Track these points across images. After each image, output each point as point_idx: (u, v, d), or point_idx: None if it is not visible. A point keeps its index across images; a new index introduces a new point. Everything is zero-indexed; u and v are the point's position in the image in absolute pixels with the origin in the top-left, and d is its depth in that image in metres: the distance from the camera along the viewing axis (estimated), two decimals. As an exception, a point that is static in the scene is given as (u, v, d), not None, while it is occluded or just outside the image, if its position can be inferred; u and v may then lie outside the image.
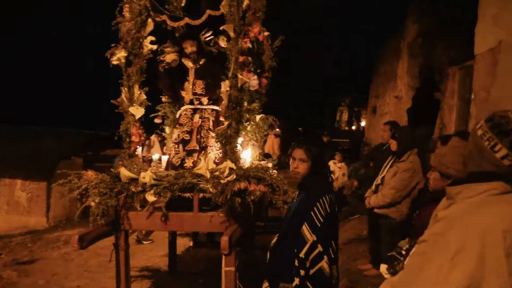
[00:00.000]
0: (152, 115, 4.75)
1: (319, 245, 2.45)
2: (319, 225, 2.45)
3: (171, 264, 5.26)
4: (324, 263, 2.46)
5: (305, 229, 2.46)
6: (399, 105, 9.34)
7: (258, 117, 4.46)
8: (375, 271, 4.99)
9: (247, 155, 4.26)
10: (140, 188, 3.40)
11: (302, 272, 2.45)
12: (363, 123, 19.00)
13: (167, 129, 4.85)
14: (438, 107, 7.03)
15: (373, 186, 4.54)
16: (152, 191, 3.33)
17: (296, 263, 2.46)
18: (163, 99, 4.77)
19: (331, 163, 8.46)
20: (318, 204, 2.49)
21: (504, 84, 4.87)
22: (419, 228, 2.33)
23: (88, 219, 3.41)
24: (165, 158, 4.43)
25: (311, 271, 2.45)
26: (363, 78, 16.07)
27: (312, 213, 2.47)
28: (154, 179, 3.39)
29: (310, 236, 2.45)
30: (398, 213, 4.18)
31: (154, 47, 3.75)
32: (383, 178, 4.39)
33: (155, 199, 3.32)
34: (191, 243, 6.56)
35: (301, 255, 2.45)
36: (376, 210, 4.39)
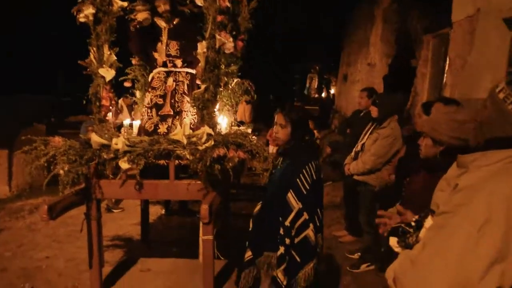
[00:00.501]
0: (122, 78, 4.49)
1: (305, 213, 2.39)
2: (305, 192, 2.38)
3: (143, 232, 5.10)
4: (310, 231, 2.40)
5: (291, 196, 2.38)
6: (372, 72, 9.31)
7: (233, 82, 4.30)
8: (350, 238, 5.04)
9: (222, 121, 4.12)
10: (112, 155, 3.21)
11: (287, 241, 2.38)
12: (332, 91, 19.00)
13: (138, 93, 4.61)
14: (414, 75, 7.01)
15: (353, 153, 4.50)
16: (125, 158, 3.15)
17: (281, 232, 2.39)
18: (133, 62, 4.51)
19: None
20: (304, 171, 2.41)
21: (481, 52, 4.86)
22: (411, 195, 2.29)
23: (52, 187, 3.21)
24: (136, 124, 4.24)
25: (297, 240, 2.40)
26: (332, 44, 15.91)
27: (298, 180, 2.39)
28: (127, 145, 3.21)
29: (296, 204, 2.37)
30: (378, 180, 4.17)
31: (125, 4, 3.49)
32: (363, 144, 4.35)
33: (129, 166, 3.15)
34: (163, 211, 6.44)
35: (287, 223, 2.38)
36: (355, 177, 4.36)
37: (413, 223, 1.58)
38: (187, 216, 6.26)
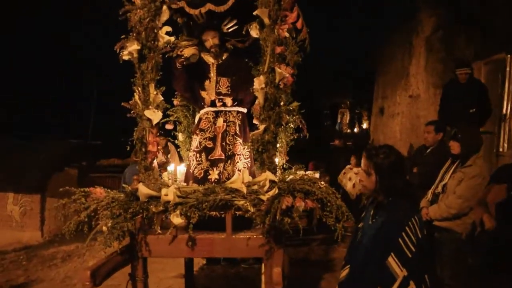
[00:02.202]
0: (163, 120, 4.17)
1: (411, 282, 1.90)
2: (410, 255, 1.90)
3: (188, 286, 4.66)
4: None
5: (393, 261, 1.90)
6: (415, 104, 8.82)
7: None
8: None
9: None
10: (162, 208, 2.83)
11: None
12: (365, 125, 18.49)
13: (180, 136, 4.28)
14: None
15: (429, 195, 3.97)
16: (177, 211, 2.76)
17: None
18: (175, 102, 4.21)
19: (347, 168, 7.89)
20: (407, 228, 1.94)
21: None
22: None
23: (82, 232, 2.85)
24: (181, 170, 3.87)
25: None
26: (362, 79, 15.54)
27: (400, 240, 1.92)
28: (179, 196, 2.82)
29: (400, 271, 1.89)
30: (464, 226, 3.63)
31: (172, 39, 3.19)
32: (444, 185, 3.83)
33: (182, 221, 2.75)
34: (204, 261, 5.97)
35: None
36: (436, 223, 3.82)
37: None
38: (230, 265, 5.79)
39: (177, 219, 2.75)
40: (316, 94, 19.45)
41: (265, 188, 2.75)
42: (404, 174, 2.20)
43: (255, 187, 2.79)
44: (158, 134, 3.18)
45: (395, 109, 10.63)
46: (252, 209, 2.70)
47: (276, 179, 2.80)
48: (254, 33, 3.07)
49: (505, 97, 5.92)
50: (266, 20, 2.90)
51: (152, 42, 3.09)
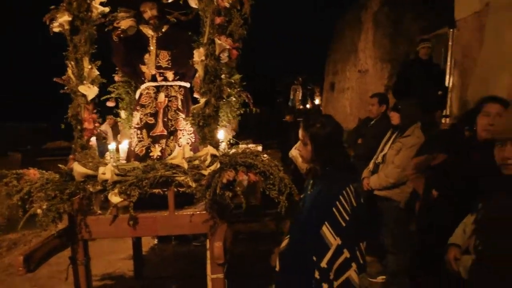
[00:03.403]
0: (104, 97, 3.99)
1: (345, 250, 1.89)
2: (344, 224, 1.89)
3: (137, 268, 4.57)
4: (352, 272, 1.91)
5: (327, 230, 1.89)
6: (364, 79, 8.96)
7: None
8: (368, 258, 4.57)
9: (221, 138, 3.65)
10: (99, 187, 2.71)
11: (324, 286, 1.89)
12: (317, 101, 18.66)
13: (123, 113, 4.13)
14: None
15: (371, 165, 4.04)
16: (115, 190, 2.65)
17: (317, 275, 1.89)
18: (116, 78, 4.05)
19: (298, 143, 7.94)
20: (341, 197, 1.92)
21: (494, 49, 4.50)
22: (498, 219, 1.83)
23: (33, 220, 2.68)
24: (123, 147, 3.75)
25: (336, 284, 1.90)
26: (313, 56, 15.65)
27: (334, 209, 1.90)
28: (117, 174, 2.71)
29: (333, 240, 1.88)
30: (403, 195, 3.71)
31: (106, 9, 3.03)
32: (384, 155, 3.89)
33: (121, 199, 2.65)
34: (155, 241, 5.87)
35: (323, 264, 1.88)
36: (376, 192, 3.90)
37: None
38: (182, 243, 5.72)
39: (115, 198, 2.64)
40: (270, 71, 19.48)
41: (207, 162, 2.69)
42: (341, 144, 2.17)
43: (196, 162, 2.71)
44: (94, 110, 3.04)
45: (345, 84, 10.78)
46: (193, 185, 2.64)
47: (217, 154, 2.74)
48: (193, 3, 2.96)
49: (448, 70, 6.06)
50: (205, -10, 2.79)
51: (85, 13, 2.92)
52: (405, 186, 3.68)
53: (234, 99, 3.84)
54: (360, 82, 9.27)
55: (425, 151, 3.15)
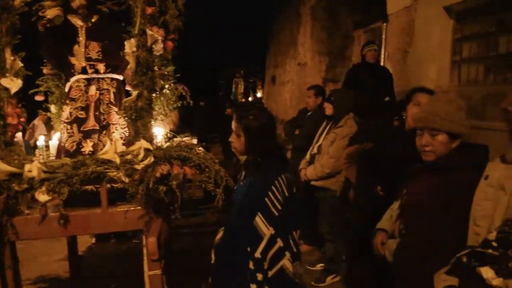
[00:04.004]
0: (32, 91, 3.79)
1: (278, 240, 1.91)
2: (277, 214, 1.91)
3: (73, 268, 4.39)
4: (286, 261, 1.93)
5: (260, 220, 1.90)
6: (303, 71, 9.10)
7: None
8: (307, 247, 4.69)
9: (158, 132, 3.57)
10: (26, 185, 2.57)
11: (259, 277, 1.89)
12: (259, 94, 18.83)
13: (53, 108, 3.93)
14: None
15: (308, 156, 4.11)
16: (43, 188, 2.52)
17: (251, 266, 1.90)
18: (45, 71, 3.84)
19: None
20: (273, 187, 1.93)
21: (423, 43, 4.72)
22: (416, 202, 1.91)
23: None
24: (53, 144, 3.57)
25: (271, 273, 1.91)
26: (255, 49, 15.71)
27: (266, 199, 1.91)
28: (45, 172, 2.58)
29: (266, 230, 1.89)
30: (338, 184, 3.81)
31: (28, -3, 2.86)
32: (319, 146, 3.97)
33: (49, 198, 2.52)
34: (93, 240, 5.69)
35: (257, 254, 1.89)
36: (313, 183, 3.98)
37: (494, 243, 1.18)
38: (122, 241, 5.58)
39: (43, 197, 2.51)
40: (211, 64, 19.40)
41: (140, 157, 2.61)
42: (274, 136, 2.19)
43: (129, 156, 2.64)
44: (19, 105, 2.87)
45: (285, 77, 10.91)
46: (126, 180, 2.56)
47: (151, 147, 2.67)
48: (122, -8, 2.87)
49: (382, 63, 6.27)
50: (134, -22, 2.70)
51: (5, 1, 2.75)
52: (340, 175, 3.78)
53: (169, 91, 3.78)
54: (299, 75, 9.41)
55: (355, 141, 3.26)
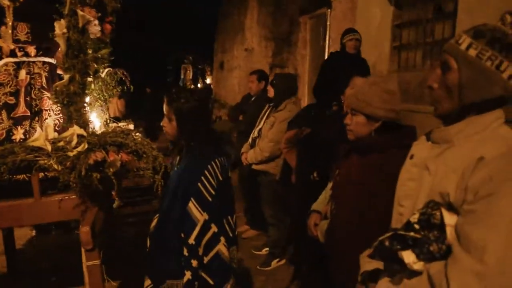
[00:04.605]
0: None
1: (212, 225, 1.88)
2: (210, 199, 1.87)
3: (10, 263, 4.20)
4: (221, 246, 1.90)
5: (193, 206, 1.86)
6: (250, 57, 9.08)
7: (104, 71, 3.63)
8: (253, 232, 4.70)
9: (95, 119, 3.45)
10: None
11: (194, 263, 1.87)
12: (208, 80, 18.68)
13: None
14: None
15: (250, 140, 4.11)
16: (-35, 178, 2.38)
17: (186, 252, 1.86)
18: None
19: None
20: (206, 172, 1.89)
21: (364, 29, 4.78)
22: (344, 183, 1.94)
23: None
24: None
25: (206, 259, 1.88)
26: (204, 32, 15.48)
27: (199, 184, 1.87)
28: (-32, 161, 2.43)
29: (200, 215, 1.85)
30: (278, 168, 3.83)
31: None
32: (260, 130, 3.97)
33: (-28, 188, 2.39)
34: (33, 232, 5.44)
35: (191, 240, 1.85)
36: (254, 167, 3.99)
37: (416, 226, 1.18)
38: (63, 232, 5.37)
39: (-34, 187, 2.37)
40: (161, 50, 18.97)
41: (73, 143, 2.50)
42: (207, 119, 2.15)
43: (62, 143, 2.52)
44: None
45: (233, 63, 10.86)
46: (58, 168, 2.45)
47: (84, 134, 2.57)
48: (50, -30, 2.71)
49: (327, 49, 6.35)
50: (62, -45, 2.56)
51: None
52: (280, 159, 3.81)
53: (107, 76, 3.65)
54: (247, 61, 9.39)
55: (295, 126, 3.28)
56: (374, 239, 1.30)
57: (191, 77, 18.94)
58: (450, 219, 1.15)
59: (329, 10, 6.40)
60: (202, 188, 1.86)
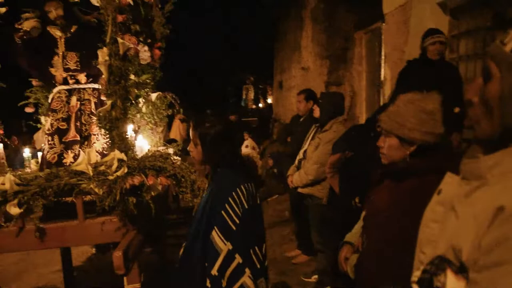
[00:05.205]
0: (21, 103, 3.81)
1: (237, 255, 1.78)
2: (234, 228, 1.79)
3: (67, 281, 4.37)
4: (246, 279, 1.79)
5: (216, 235, 1.79)
6: (306, 75, 9.00)
7: (154, 95, 3.73)
8: (304, 257, 4.55)
9: (144, 142, 3.52)
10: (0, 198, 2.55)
11: None
12: (269, 100, 18.75)
13: (43, 119, 3.93)
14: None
15: (296, 162, 4.01)
16: (15, 201, 2.49)
17: (208, 284, 1.79)
18: (34, 83, 3.84)
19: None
20: (230, 199, 1.82)
21: (418, 41, 4.56)
22: (374, 212, 1.79)
23: None
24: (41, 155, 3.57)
25: None
26: (264, 54, 15.65)
27: (223, 212, 1.80)
28: (18, 184, 2.55)
29: (223, 245, 1.77)
30: (325, 191, 3.68)
31: (2, 10, 2.85)
32: (305, 152, 3.87)
33: (20, 210, 2.49)
34: (93, 250, 5.65)
35: (214, 271, 1.77)
36: (300, 190, 3.86)
37: (415, 286, 0.99)
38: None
39: (14, 209, 2.48)
40: (222, 72, 19.42)
41: (113, 168, 2.56)
42: (233, 144, 2.07)
43: (103, 167, 2.59)
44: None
45: (291, 82, 10.82)
46: (100, 192, 2.51)
47: (124, 158, 2.62)
48: (94, 1, 2.83)
49: (382, 64, 6.16)
50: (105, -14, 2.66)
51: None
52: (326, 182, 3.65)
53: (157, 100, 3.74)
54: (303, 79, 9.31)
55: (338, 149, 3.15)
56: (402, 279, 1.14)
57: (252, 97, 19.12)
58: (456, 286, 0.89)
59: (383, 24, 6.21)
60: (226, 216, 1.79)
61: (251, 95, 19.10)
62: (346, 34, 7.17)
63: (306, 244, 4.39)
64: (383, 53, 6.19)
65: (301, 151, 3.94)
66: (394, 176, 1.72)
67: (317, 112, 3.81)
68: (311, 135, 3.91)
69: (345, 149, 3.01)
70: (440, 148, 1.68)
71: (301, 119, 4.62)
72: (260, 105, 19.03)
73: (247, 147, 8.41)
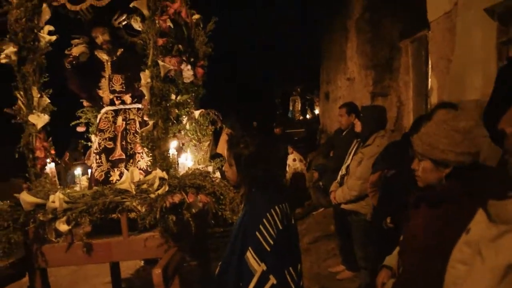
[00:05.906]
0: (74, 122, 4.02)
1: (271, 276, 1.79)
2: (268, 249, 1.80)
3: (116, 292, 4.53)
4: None
5: (250, 256, 1.80)
6: (352, 86, 8.89)
7: (197, 113, 3.83)
8: (348, 274, 4.45)
9: (187, 159, 3.61)
10: (50, 216, 2.70)
11: None
12: (317, 111, 18.65)
13: (93, 138, 4.13)
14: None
15: (338, 178, 3.95)
16: (63, 218, 2.64)
17: None
18: (85, 103, 4.05)
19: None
20: (264, 220, 1.83)
21: (465, 49, 4.42)
22: (410, 238, 1.74)
23: None
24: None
25: None
26: (310, 65, 15.64)
27: (257, 233, 1.81)
28: (67, 202, 2.70)
29: (257, 266, 1.79)
30: (368, 207, 3.60)
31: (53, 38, 3.03)
32: (348, 167, 3.81)
33: (68, 227, 2.63)
34: (141, 262, 5.82)
35: None
36: (343, 206, 3.80)
37: None
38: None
39: (63, 226, 2.63)
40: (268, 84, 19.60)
41: (155, 186, 2.65)
42: (268, 164, 2.07)
43: (145, 186, 2.69)
44: (46, 139, 3.04)
45: (337, 93, 10.73)
46: (142, 209, 2.61)
47: (165, 176, 2.70)
48: (136, 25, 2.97)
49: (429, 73, 5.99)
50: (146, 12, 2.78)
51: (32, 43, 2.94)
52: (371, 198, 3.58)
53: (200, 117, 3.84)
54: (349, 90, 9.20)
55: (378, 167, 3.07)
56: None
57: (299, 109, 19.10)
58: None
59: (429, 32, 6.05)
60: (260, 237, 1.81)
61: (298, 106, 19.09)
62: (391, 43, 7.03)
63: (350, 260, 4.30)
64: (430, 61, 6.02)
65: (344, 167, 3.88)
66: (429, 201, 1.65)
67: (358, 127, 3.74)
68: (353, 150, 3.85)
69: (385, 167, 2.94)
70: (478, 168, 1.60)
71: (343, 133, 4.57)
72: (308, 116, 18.94)
73: (295, 161, 8.39)
